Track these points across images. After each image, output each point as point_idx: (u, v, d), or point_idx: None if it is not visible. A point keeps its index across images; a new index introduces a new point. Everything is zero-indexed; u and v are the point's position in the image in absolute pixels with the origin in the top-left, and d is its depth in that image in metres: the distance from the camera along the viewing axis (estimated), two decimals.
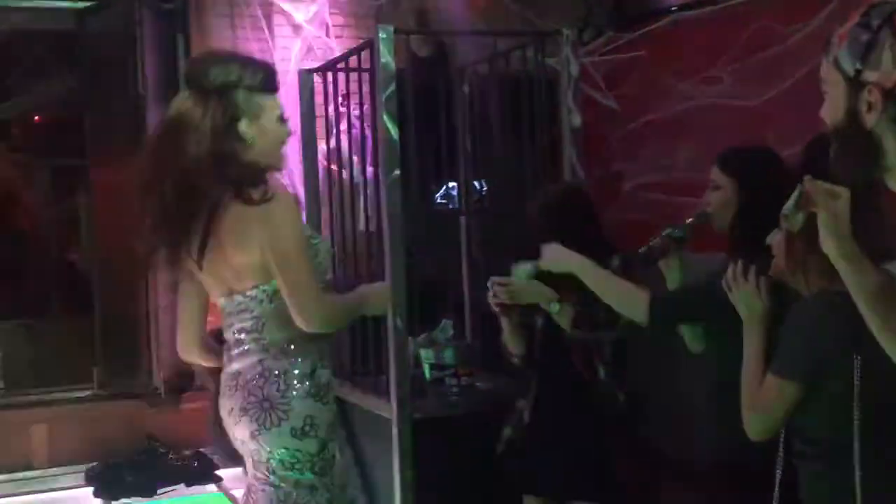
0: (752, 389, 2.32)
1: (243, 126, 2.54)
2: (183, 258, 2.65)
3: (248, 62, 2.64)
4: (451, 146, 4.89)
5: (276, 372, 2.64)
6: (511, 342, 3.59)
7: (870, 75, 1.63)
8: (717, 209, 2.96)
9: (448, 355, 4.08)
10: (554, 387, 3.51)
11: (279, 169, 2.70)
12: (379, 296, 3.02)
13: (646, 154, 5.50)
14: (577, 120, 4.07)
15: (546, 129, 4.32)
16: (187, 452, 5.48)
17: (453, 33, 5.34)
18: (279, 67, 5.36)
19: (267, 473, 2.67)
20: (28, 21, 6.25)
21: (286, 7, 5.80)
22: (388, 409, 3.85)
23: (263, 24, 5.70)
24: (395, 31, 3.90)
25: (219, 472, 5.33)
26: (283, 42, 5.67)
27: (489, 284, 3.44)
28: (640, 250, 3.07)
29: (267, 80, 2.60)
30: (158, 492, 5.18)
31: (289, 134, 2.70)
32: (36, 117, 8.38)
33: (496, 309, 3.46)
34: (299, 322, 2.57)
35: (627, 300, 2.88)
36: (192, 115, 2.52)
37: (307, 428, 2.63)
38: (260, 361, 2.66)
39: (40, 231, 8.84)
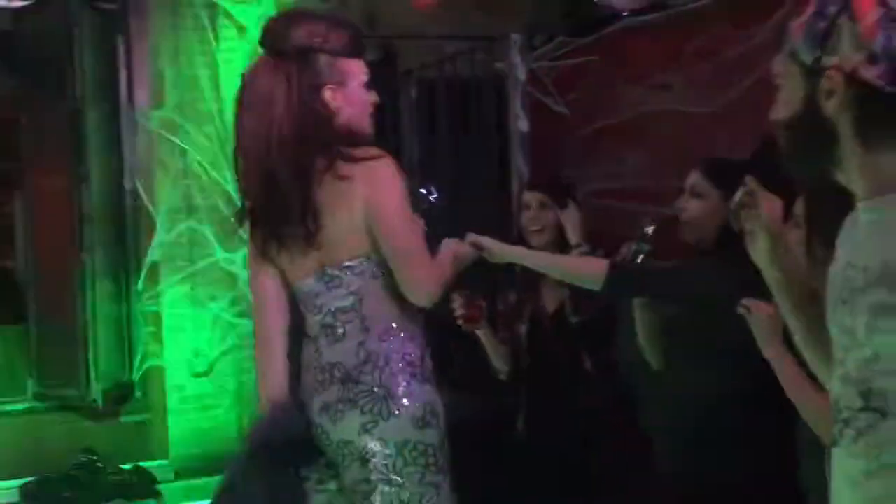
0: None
1: (327, 95, 2.34)
2: (274, 245, 2.44)
3: (331, 23, 2.41)
4: (397, 153, 4.80)
5: (385, 356, 2.39)
6: (495, 358, 3.47)
7: (829, 61, 1.63)
8: (696, 218, 2.88)
9: None
10: (546, 389, 3.41)
11: (367, 139, 2.47)
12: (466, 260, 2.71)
13: (597, 160, 5.43)
14: (524, 125, 3.98)
15: (494, 134, 4.23)
16: (126, 467, 5.33)
17: (400, 37, 5.23)
18: (224, 69, 5.34)
19: (386, 471, 2.37)
20: None
21: (230, 9, 5.65)
22: None
23: (207, 25, 5.56)
24: None
25: (159, 488, 5.21)
26: (228, 45, 5.54)
27: (454, 299, 3.26)
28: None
29: (351, 43, 2.39)
30: None
31: (375, 101, 2.49)
32: None
33: (464, 326, 3.31)
34: (413, 297, 2.36)
35: (582, 268, 2.83)
36: (273, 84, 2.32)
37: (428, 417, 2.39)
38: (361, 345, 2.41)
39: None
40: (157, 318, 5.54)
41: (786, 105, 1.72)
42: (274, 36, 2.38)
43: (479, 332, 3.38)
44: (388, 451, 2.36)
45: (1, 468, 5.39)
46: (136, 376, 5.68)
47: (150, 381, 5.65)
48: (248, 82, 2.41)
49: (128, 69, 5.48)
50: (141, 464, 5.40)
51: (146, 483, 5.25)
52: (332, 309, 2.44)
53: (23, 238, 6.51)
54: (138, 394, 5.68)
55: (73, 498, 5.06)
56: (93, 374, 5.48)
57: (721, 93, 4.63)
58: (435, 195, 5.12)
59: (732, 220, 1.89)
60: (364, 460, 2.39)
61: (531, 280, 3.40)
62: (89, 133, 5.40)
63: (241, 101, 2.42)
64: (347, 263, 2.40)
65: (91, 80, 5.43)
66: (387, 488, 2.37)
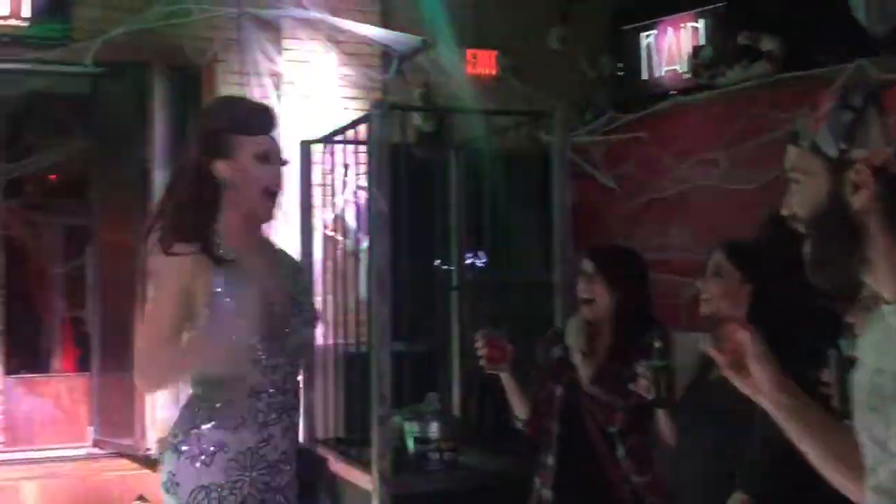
0: None
1: (219, 165, 2.35)
2: None
3: (235, 103, 2.53)
4: (445, 221, 4.84)
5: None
6: (514, 403, 3.36)
7: (856, 154, 1.54)
8: (715, 297, 2.89)
9: (432, 429, 3.98)
10: (575, 465, 3.20)
11: (264, 219, 2.44)
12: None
13: (643, 233, 5.45)
14: (569, 198, 4.02)
15: (541, 206, 4.28)
16: None
17: (452, 109, 5.32)
18: (285, 136, 5.50)
19: None
20: (47, 85, 6.33)
21: (295, 77, 5.83)
22: (370, 482, 3.75)
23: (272, 93, 5.73)
24: (392, 107, 3.89)
25: None
26: (291, 111, 5.68)
27: (478, 338, 3.16)
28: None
29: (248, 119, 2.41)
30: None
31: (273, 178, 2.41)
32: (50, 176, 8.46)
33: (486, 367, 3.19)
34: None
35: None
36: (182, 158, 2.44)
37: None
38: None
39: (48, 288, 8.86)
40: None
41: (806, 201, 1.62)
42: (199, 116, 2.57)
43: (501, 375, 3.24)
44: None
45: None
46: None
47: None
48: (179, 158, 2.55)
49: None
50: None
51: None
52: None
53: (92, 291, 6.68)
54: None
55: None
56: (149, 424, 5.55)
57: (763, 171, 4.64)
58: (483, 261, 5.19)
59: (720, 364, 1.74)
60: None
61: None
62: (156, 191, 5.55)
63: (171, 174, 2.57)
64: None
65: (160, 141, 5.58)
66: None
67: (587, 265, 3.28)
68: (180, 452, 2.32)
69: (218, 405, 2.32)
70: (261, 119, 2.43)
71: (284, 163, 2.47)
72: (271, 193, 2.40)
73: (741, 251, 2.89)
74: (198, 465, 2.30)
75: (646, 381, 2.74)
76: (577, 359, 3.17)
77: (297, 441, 2.51)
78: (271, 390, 2.36)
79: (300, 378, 2.49)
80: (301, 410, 2.53)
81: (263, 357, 2.33)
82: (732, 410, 2.43)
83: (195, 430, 2.32)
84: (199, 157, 2.37)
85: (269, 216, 2.43)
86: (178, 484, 2.31)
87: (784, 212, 1.65)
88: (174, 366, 2.32)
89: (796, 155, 1.63)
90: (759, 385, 1.70)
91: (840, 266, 1.60)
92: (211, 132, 2.39)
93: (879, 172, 1.53)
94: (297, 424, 2.49)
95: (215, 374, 2.31)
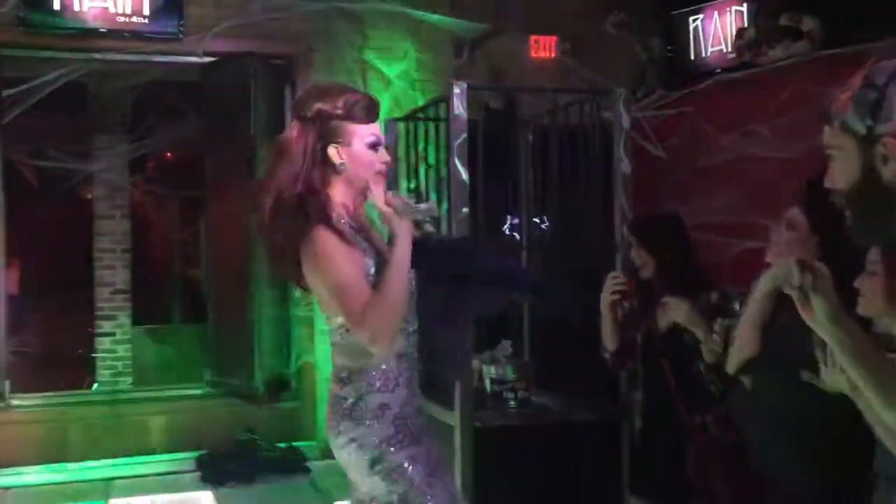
0: None
1: (332, 150, 2.33)
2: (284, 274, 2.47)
3: (345, 92, 2.42)
4: (515, 188, 4.82)
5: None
6: (607, 336, 3.39)
7: (883, 128, 1.54)
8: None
9: (507, 371, 3.98)
10: (658, 393, 3.27)
11: (368, 196, 2.41)
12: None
13: (692, 199, 5.35)
14: (626, 167, 3.95)
15: (601, 175, 4.21)
16: (282, 446, 5.48)
17: (520, 89, 5.26)
18: None
19: None
20: (163, 74, 6.41)
21: (378, 64, 5.81)
22: (453, 418, 3.76)
23: (359, 78, 5.72)
24: (468, 87, 3.84)
25: (308, 465, 5.33)
26: (376, 94, 5.65)
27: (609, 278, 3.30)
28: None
29: (360, 109, 2.36)
30: (256, 479, 5.18)
31: (382, 161, 2.39)
32: (167, 154, 8.59)
33: (621, 300, 3.30)
34: (370, 348, 2.29)
35: None
36: (291, 140, 2.38)
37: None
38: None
39: (167, 252, 9.04)
40: (309, 322, 5.71)
41: (843, 175, 1.62)
42: (300, 105, 2.44)
43: (608, 311, 3.33)
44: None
45: (181, 443, 5.64)
46: (292, 370, 5.87)
47: (303, 374, 5.81)
48: (281, 139, 2.47)
49: None
50: (294, 443, 5.55)
51: (297, 460, 5.36)
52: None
53: (206, 252, 6.77)
54: (293, 385, 5.86)
55: (236, 470, 5.19)
56: (257, 367, 5.64)
57: (799, 141, 4.51)
58: (546, 224, 5.14)
59: (791, 291, 1.68)
60: None
61: (651, 297, 3.31)
62: (261, 167, 5.60)
63: (274, 152, 2.47)
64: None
65: (263, 123, 5.61)
66: None
67: (628, 236, 3.37)
68: (354, 419, 2.33)
69: (374, 372, 2.33)
70: (371, 108, 2.40)
71: (387, 146, 2.48)
72: (382, 174, 2.41)
73: (812, 205, 2.76)
74: (371, 424, 2.32)
75: (718, 337, 2.70)
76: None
77: None
78: (410, 351, 2.38)
79: None
80: None
81: (404, 323, 2.35)
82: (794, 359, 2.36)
83: (361, 401, 2.33)
84: (317, 142, 2.33)
85: (379, 194, 2.41)
86: (362, 446, 2.33)
87: (827, 184, 1.64)
88: (396, 310, 2.27)
89: (830, 133, 1.63)
90: (818, 318, 1.66)
91: (878, 231, 1.64)
92: (326, 119, 2.34)
93: None
94: None
95: (366, 348, 2.28)
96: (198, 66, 5.82)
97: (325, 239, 2.25)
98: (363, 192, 2.41)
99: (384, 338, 2.24)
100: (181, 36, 5.46)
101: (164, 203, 8.87)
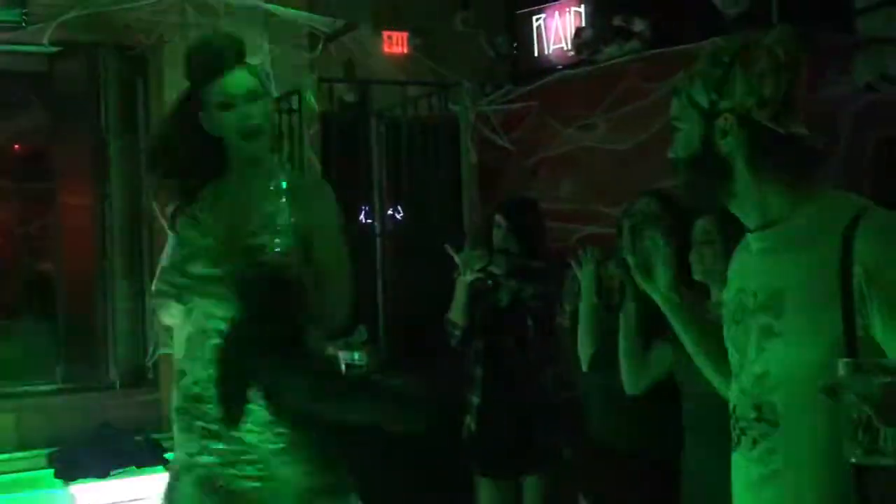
0: None
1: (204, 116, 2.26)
2: None
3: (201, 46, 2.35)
4: (368, 178, 4.90)
5: None
6: (457, 313, 3.49)
7: (724, 104, 1.60)
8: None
9: (360, 356, 4.07)
10: (496, 367, 3.45)
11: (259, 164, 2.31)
12: None
13: (536, 187, 5.58)
14: (473, 157, 4.12)
15: (450, 165, 4.36)
16: (138, 438, 5.36)
17: (371, 82, 5.34)
18: None
19: None
20: (5, 63, 6.13)
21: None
22: None
23: None
24: (321, 80, 3.91)
25: (166, 456, 5.24)
26: None
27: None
28: None
29: (205, 62, 2.30)
30: (111, 473, 5.06)
31: (242, 120, 2.26)
32: (14, 147, 8.20)
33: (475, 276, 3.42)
34: None
35: None
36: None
37: None
38: None
39: (14, 246, 8.63)
40: None
41: (685, 144, 1.67)
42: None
43: (463, 290, 3.44)
44: None
45: (34, 440, 5.44)
46: (149, 362, 5.76)
47: (160, 366, 5.71)
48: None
49: (145, 105, 5.55)
50: (151, 435, 5.44)
51: (155, 451, 5.26)
52: None
53: (56, 246, 6.54)
54: (150, 377, 5.75)
55: (91, 463, 5.05)
56: (112, 360, 5.52)
57: (635, 133, 4.79)
58: (400, 214, 5.26)
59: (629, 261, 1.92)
60: None
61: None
62: (112, 159, 5.46)
63: None
64: None
65: (114, 114, 5.49)
66: None
67: (498, 218, 3.50)
68: None
69: None
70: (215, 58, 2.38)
71: None
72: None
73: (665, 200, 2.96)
74: None
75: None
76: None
77: None
78: None
79: None
80: None
81: None
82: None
83: None
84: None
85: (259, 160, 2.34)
86: None
87: (670, 154, 1.71)
88: None
89: (677, 105, 1.68)
90: (657, 285, 1.86)
91: (710, 198, 1.70)
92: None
93: (744, 120, 1.58)
94: None
95: None
96: (43, 55, 5.60)
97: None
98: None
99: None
100: (24, 25, 5.26)
101: (7, 195, 8.46)
